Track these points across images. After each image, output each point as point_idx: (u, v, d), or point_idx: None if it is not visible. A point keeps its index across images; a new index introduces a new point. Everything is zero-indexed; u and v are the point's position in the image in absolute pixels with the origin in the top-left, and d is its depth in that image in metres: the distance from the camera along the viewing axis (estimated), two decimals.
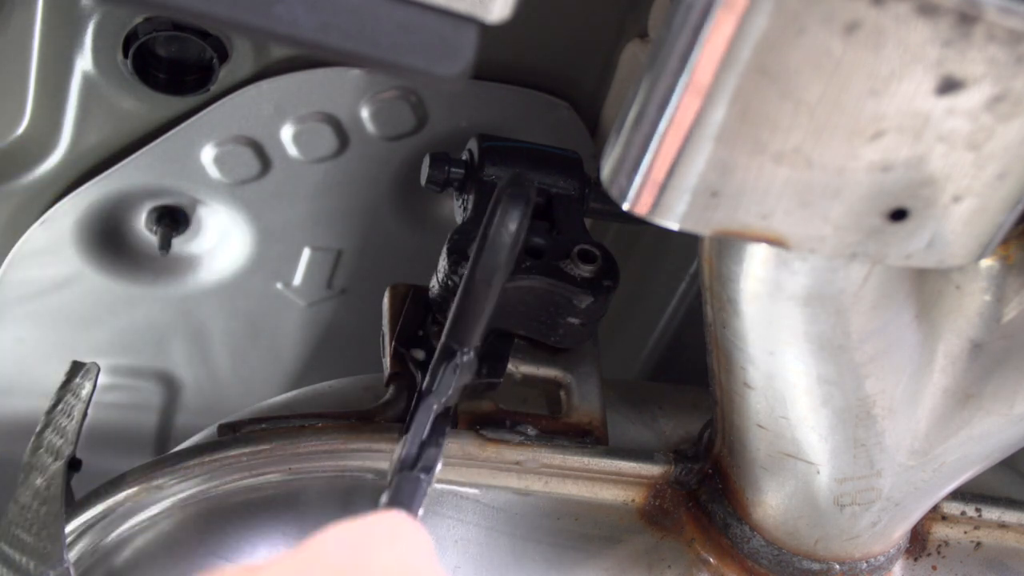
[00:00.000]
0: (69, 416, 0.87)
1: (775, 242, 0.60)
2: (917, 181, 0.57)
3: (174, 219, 1.18)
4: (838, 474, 0.84)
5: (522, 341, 0.93)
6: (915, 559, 0.99)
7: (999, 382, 0.78)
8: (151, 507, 0.84)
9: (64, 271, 1.20)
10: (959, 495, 0.98)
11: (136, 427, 1.41)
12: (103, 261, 1.21)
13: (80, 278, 1.21)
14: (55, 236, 1.16)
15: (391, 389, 0.91)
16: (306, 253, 1.25)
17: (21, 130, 1.10)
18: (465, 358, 0.76)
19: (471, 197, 0.95)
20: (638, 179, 0.57)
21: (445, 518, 0.90)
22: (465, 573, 0.90)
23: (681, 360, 1.28)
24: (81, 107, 1.07)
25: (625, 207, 0.58)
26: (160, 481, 0.84)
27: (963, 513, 0.99)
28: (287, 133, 1.12)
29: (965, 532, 1.00)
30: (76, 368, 0.93)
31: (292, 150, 1.13)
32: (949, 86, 0.53)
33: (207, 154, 1.12)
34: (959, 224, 0.60)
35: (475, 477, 0.90)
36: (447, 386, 0.77)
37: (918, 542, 0.99)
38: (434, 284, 0.90)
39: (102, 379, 0.98)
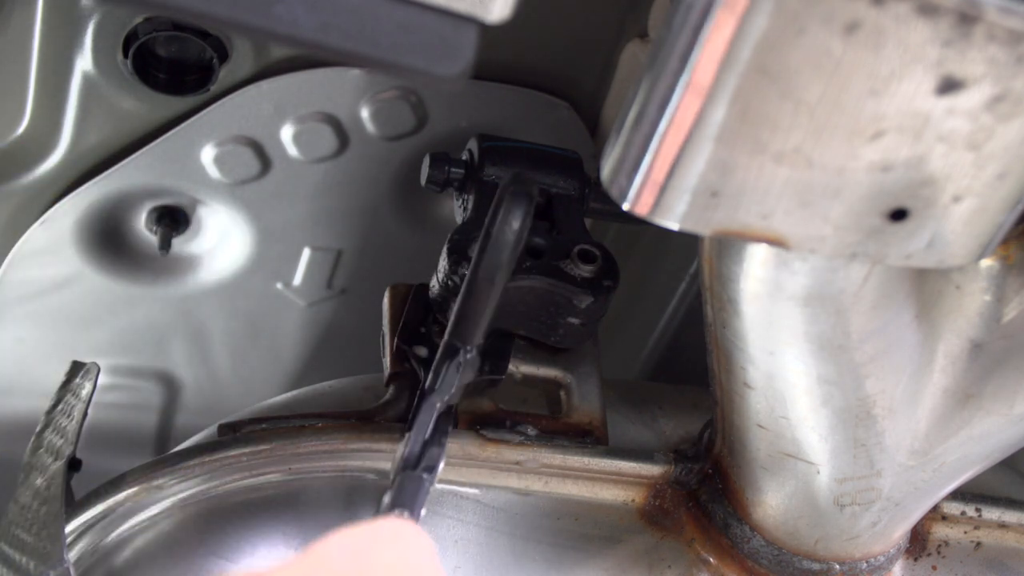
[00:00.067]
0: (69, 416, 0.87)
1: (775, 242, 0.60)
2: (917, 181, 0.57)
3: (174, 219, 1.18)
4: (838, 474, 0.84)
5: (522, 341, 0.93)
6: (915, 559, 0.99)
7: (999, 382, 0.78)
8: (151, 507, 0.84)
9: (64, 271, 1.20)
10: (959, 495, 0.98)
11: (136, 427, 1.41)
12: (103, 261, 1.21)
13: (80, 278, 1.21)
14: (55, 236, 1.16)
15: (391, 389, 0.91)
16: (306, 253, 1.25)
17: (21, 130, 1.10)
18: (468, 356, 0.76)
19: (471, 197, 0.95)
20: (638, 179, 0.57)
21: (445, 518, 0.90)
22: (465, 573, 0.90)
23: (681, 360, 1.28)
24: (81, 107, 1.07)
25: (625, 207, 0.58)
26: (160, 481, 0.84)
27: (963, 513, 0.99)
28: (287, 133, 1.12)
29: (965, 532, 1.00)
30: (76, 368, 0.93)
31: (292, 150, 1.13)
32: (949, 86, 0.53)
33: (207, 154, 1.12)
34: (959, 224, 0.60)
35: (475, 477, 0.90)
36: (450, 384, 0.77)
37: (918, 542, 0.99)
38: (434, 284, 0.90)
39: (102, 379, 0.98)
